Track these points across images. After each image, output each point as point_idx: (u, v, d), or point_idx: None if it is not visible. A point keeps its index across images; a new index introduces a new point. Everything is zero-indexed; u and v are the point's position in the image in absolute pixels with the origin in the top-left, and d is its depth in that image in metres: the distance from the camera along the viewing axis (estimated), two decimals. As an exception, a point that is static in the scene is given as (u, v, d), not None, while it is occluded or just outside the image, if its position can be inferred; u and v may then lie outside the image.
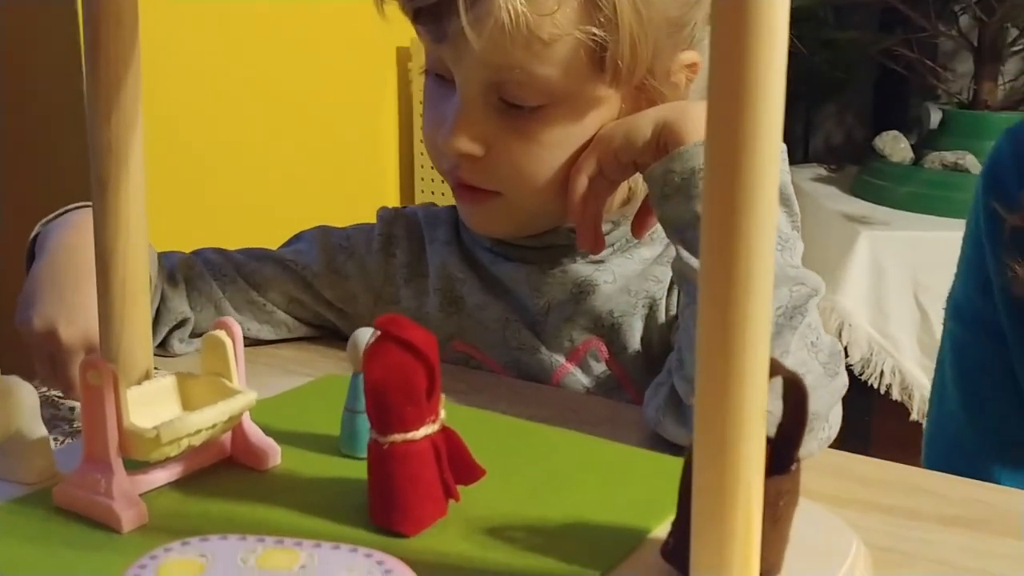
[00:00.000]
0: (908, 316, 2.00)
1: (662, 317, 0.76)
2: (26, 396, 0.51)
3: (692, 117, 0.68)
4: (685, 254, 0.66)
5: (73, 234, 0.74)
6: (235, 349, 0.52)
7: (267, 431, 0.55)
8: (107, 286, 0.52)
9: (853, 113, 2.72)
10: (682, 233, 0.67)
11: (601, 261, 0.77)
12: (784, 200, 0.69)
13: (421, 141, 1.92)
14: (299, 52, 1.70)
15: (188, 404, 0.53)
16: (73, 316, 0.68)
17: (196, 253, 0.85)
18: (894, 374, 1.98)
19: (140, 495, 0.49)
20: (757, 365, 0.38)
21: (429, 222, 0.84)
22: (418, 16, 0.72)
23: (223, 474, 0.52)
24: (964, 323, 0.90)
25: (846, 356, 2.03)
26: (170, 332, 0.80)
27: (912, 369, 1.99)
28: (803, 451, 0.53)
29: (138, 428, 0.47)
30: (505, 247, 0.80)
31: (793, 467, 0.43)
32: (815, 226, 2.32)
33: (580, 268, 0.77)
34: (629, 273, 0.77)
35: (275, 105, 1.69)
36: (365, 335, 0.54)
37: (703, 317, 0.38)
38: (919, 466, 0.87)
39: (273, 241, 0.88)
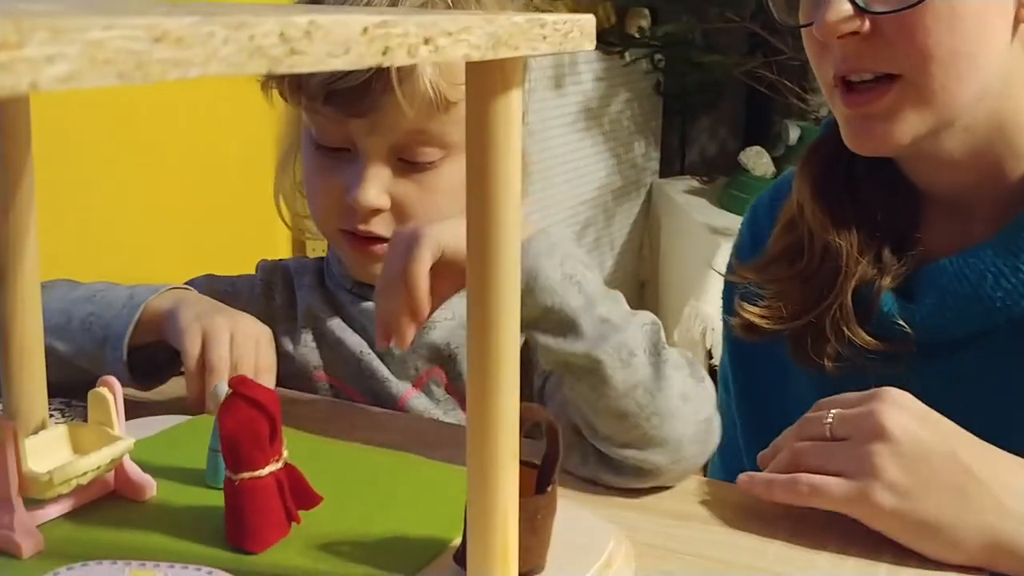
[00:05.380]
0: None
1: None
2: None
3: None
4: (553, 344, 0.70)
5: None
6: (116, 403, 0.63)
7: (148, 466, 0.66)
8: (8, 352, 0.63)
9: (727, 127, 2.89)
10: (534, 327, 0.71)
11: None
12: (590, 266, 0.74)
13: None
14: (189, 88, 1.75)
15: (78, 448, 0.64)
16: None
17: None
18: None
19: (38, 526, 0.60)
20: (510, 423, 0.51)
21: (298, 271, 0.96)
22: (331, 98, 0.81)
23: (107, 506, 0.63)
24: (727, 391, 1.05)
25: (710, 358, 2.19)
26: None
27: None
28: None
29: (34, 473, 0.58)
30: (364, 289, 0.92)
31: (549, 488, 0.56)
32: (682, 237, 2.49)
33: None
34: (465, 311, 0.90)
35: (163, 143, 1.71)
36: (224, 388, 0.65)
37: (472, 391, 0.51)
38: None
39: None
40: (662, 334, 0.74)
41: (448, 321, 0.89)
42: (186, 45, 0.27)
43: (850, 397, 0.72)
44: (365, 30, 0.33)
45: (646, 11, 2.68)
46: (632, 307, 0.74)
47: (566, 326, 0.70)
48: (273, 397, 0.59)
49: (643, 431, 0.70)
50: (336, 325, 0.91)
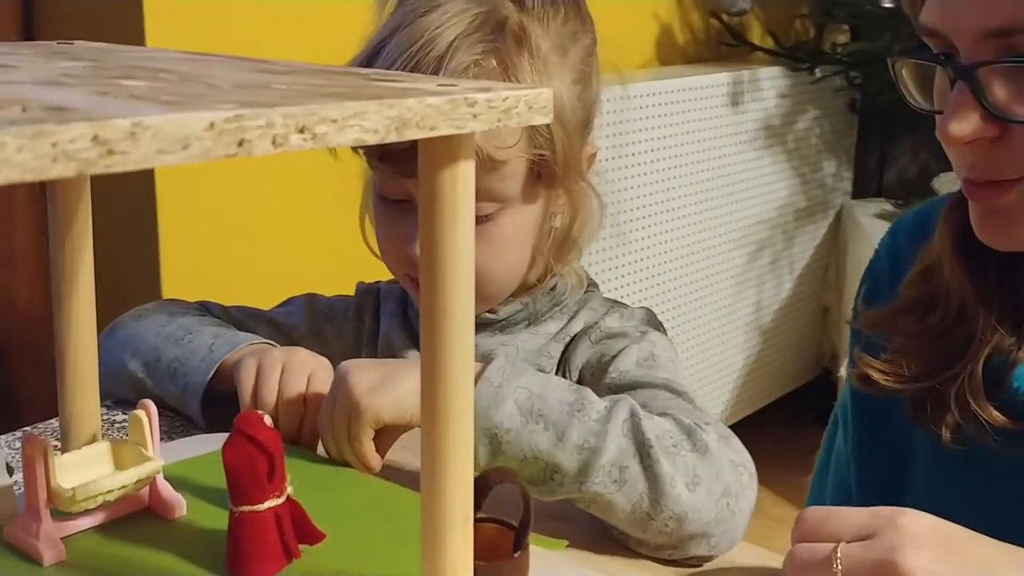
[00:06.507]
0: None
1: None
2: (-4, 453, 0.68)
3: None
4: (546, 491, 0.72)
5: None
6: (151, 425, 0.67)
7: (186, 484, 0.70)
8: (63, 370, 0.68)
9: (929, 149, 2.73)
10: (540, 486, 0.72)
11: (510, 335, 0.90)
12: (540, 382, 0.75)
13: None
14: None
15: (118, 464, 0.68)
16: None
17: (203, 304, 1.00)
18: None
19: (66, 536, 0.64)
20: (462, 486, 0.51)
21: (386, 296, 0.99)
22: (384, 158, 0.83)
23: (137, 522, 0.67)
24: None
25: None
26: None
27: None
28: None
29: (61, 488, 0.63)
30: None
31: (517, 554, 0.56)
32: (866, 262, 2.37)
33: (490, 340, 0.91)
34: (531, 347, 0.90)
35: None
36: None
37: (425, 451, 0.51)
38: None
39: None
40: (642, 419, 0.71)
41: (509, 350, 0.89)
42: (-32, 157, 0.29)
43: (852, 519, 0.64)
44: (211, 125, 0.34)
45: (845, 27, 2.57)
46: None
47: (549, 471, 0.71)
48: (275, 437, 0.61)
49: (667, 533, 0.70)
50: (411, 355, 0.93)
